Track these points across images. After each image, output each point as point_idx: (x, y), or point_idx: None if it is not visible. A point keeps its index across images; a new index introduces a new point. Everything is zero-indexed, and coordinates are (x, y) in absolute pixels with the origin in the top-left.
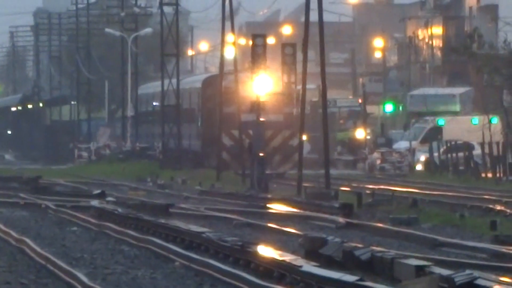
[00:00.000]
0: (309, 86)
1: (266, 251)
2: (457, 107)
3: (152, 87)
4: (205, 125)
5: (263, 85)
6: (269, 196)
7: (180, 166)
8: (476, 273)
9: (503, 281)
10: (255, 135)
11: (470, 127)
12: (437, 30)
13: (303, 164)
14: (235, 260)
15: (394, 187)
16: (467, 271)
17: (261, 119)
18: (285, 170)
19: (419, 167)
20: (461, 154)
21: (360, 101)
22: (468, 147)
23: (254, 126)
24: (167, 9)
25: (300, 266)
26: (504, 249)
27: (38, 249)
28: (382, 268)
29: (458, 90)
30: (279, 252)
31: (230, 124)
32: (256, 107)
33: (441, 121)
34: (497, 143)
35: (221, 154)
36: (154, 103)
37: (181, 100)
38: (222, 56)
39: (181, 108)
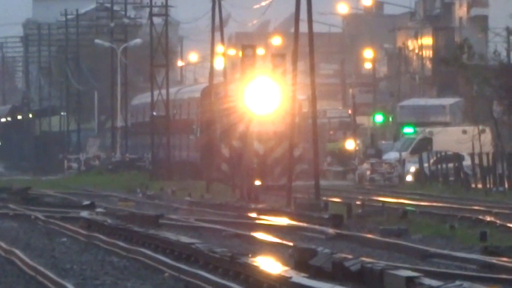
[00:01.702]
0: (299, 97)
1: (255, 262)
2: (447, 118)
3: (146, 97)
4: (203, 136)
5: (262, 95)
6: (259, 206)
7: (170, 177)
8: (466, 284)
9: None
10: (245, 146)
11: (460, 138)
12: (427, 40)
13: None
14: (224, 271)
15: (384, 198)
16: (457, 282)
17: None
18: (285, 182)
19: (409, 178)
20: (451, 165)
21: (350, 111)
22: (458, 157)
23: (243, 137)
24: (157, 20)
25: (290, 277)
26: (494, 260)
27: (28, 260)
28: (372, 279)
29: (448, 101)
30: (269, 263)
31: (230, 135)
32: (246, 117)
33: (431, 132)
34: (487, 154)
35: (220, 165)
36: (154, 113)
37: (179, 110)
38: (211, 67)
39: (179, 119)
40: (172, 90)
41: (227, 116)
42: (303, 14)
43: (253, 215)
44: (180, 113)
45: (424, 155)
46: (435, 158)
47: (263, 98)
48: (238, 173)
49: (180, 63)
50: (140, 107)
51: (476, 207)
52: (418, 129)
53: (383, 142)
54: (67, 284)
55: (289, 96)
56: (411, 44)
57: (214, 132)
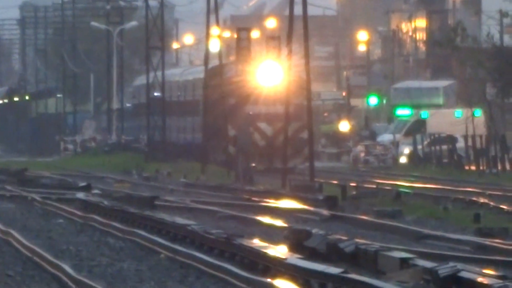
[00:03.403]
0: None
1: (250, 243)
2: (440, 100)
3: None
4: (208, 117)
5: (270, 75)
6: (254, 188)
7: (165, 159)
8: (459, 266)
9: (486, 273)
10: (241, 128)
11: (453, 120)
12: (421, 23)
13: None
14: (220, 252)
15: (378, 179)
16: (451, 264)
17: (250, 112)
18: (295, 164)
19: (403, 159)
20: (444, 147)
21: (344, 94)
22: (452, 140)
23: (241, 118)
24: (152, 3)
25: (285, 259)
26: (487, 241)
27: (24, 241)
28: (366, 260)
29: (442, 83)
30: (264, 244)
31: (236, 116)
32: (245, 98)
33: (424, 114)
34: (480, 136)
35: (227, 147)
36: (156, 94)
37: (184, 91)
38: (207, 49)
39: (183, 100)
40: (177, 71)
41: (233, 97)
42: None
43: (248, 196)
44: (185, 94)
45: (418, 137)
46: (428, 140)
47: (270, 78)
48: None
49: (175, 45)
50: (142, 88)
51: (469, 189)
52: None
53: (377, 124)
54: (63, 265)
55: (296, 76)
56: (405, 26)
57: (220, 113)
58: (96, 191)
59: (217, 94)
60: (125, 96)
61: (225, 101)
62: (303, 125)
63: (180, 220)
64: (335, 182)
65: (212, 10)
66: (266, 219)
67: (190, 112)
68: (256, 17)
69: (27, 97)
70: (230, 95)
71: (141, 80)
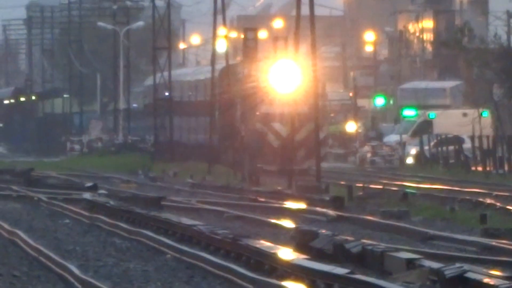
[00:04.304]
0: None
1: (257, 244)
2: (447, 101)
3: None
4: (222, 118)
5: (286, 75)
6: (261, 189)
7: (172, 159)
8: (466, 266)
9: (492, 274)
10: (248, 128)
11: (460, 121)
12: (428, 24)
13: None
14: (226, 252)
15: (385, 180)
16: (457, 264)
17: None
18: (309, 165)
19: (409, 160)
20: (451, 148)
21: (351, 94)
22: (458, 140)
23: (248, 118)
24: (159, 3)
25: (291, 259)
26: (493, 242)
27: (30, 242)
28: (372, 261)
29: (449, 84)
30: (270, 244)
31: (250, 117)
32: (253, 99)
33: (431, 115)
34: (487, 137)
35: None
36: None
37: (195, 92)
38: (213, 50)
39: (194, 100)
40: (188, 71)
41: (247, 97)
42: None
43: (255, 197)
44: (196, 94)
45: (425, 137)
46: (435, 140)
47: (285, 78)
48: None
49: (182, 45)
50: (153, 88)
51: (476, 190)
52: (419, 112)
53: (384, 124)
54: (70, 265)
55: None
56: (412, 27)
57: (234, 114)
58: (102, 191)
59: (229, 94)
60: (133, 96)
61: (237, 102)
62: (319, 125)
63: (186, 220)
64: (341, 182)
65: (219, 10)
66: (272, 220)
67: (197, 113)
68: (263, 18)
69: (33, 97)
70: (242, 95)
71: (151, 80)
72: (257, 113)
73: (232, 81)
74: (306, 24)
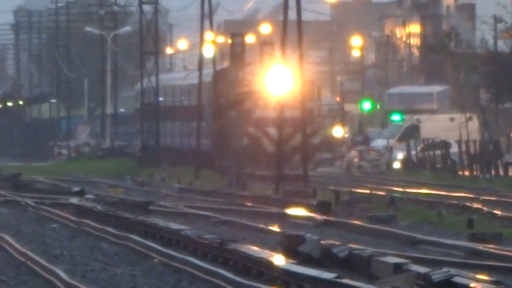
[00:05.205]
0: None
1: (244, 248)
2: (434, 106)
3: (160, 81)
4: (216, 123)
5: (280, 80)
6: (248, 194)
7: (159, 164)
8: (453, 271)
9: (480, 278)
10: (234, 132)
11: (447, 125)
12: (415, 28)
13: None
14: (213, 257)
15: (372, 185)
16: (444, 269)
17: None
18: None
19: (396, 165)
20: (438, 152)
21: (338, 99)
22: (445, 145)
23: (233, 123)
24: (146, 8)
25: (278, 264)
26: (481, 247)
27: (18, 246)
28: (360, 265)
29: (436, 89)
30: (258, 249)
31: (245, 121)
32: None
33: (418, 120)
34: (474, 141)
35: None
36: (161, 98)
37: (188, 96)
38: (201, 55)
39: (182, 105)
40: (180, 75)
41: (242, 102)
42: (292, 2)
43: (242, 201)
44: (189, 99)
45: (412, 142)
46: (422, 145)
47: (280, 83)
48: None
49: (169, 50)
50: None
51: (463, 194)
52: (405, 116)
53: (371, 129)
54: (57, 270)
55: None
56: (399, 32)
57: (228, 118)
58: (89, 196)
59: (224, 98)
60: (120, 101)
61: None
62: (314, 130)
63: (173, 225)
64: (328, 187)
65: (206, 15)
66: (259, 224)
67: (186, 117)
68: (250, 23)
69: (21, 102)
70: (237, 99)
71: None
72: (252, 118)
73: (225, 86)
74: (293, 29)
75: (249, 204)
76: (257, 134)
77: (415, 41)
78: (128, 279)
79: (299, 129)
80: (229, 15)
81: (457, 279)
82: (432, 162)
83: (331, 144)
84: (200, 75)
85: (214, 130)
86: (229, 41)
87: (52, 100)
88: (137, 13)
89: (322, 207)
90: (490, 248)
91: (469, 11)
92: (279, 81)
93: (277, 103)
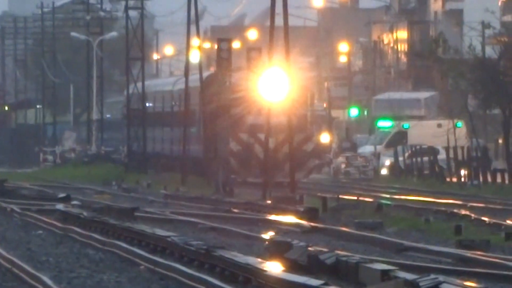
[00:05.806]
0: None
1: (231, 255)
2: (422, 112)
3: (149, 86)
4: (207, 129)
5: (275, 85)
6: (234, 200)
7: (145, 170)
8: (441, 278)
9: (467, 285)
10: (221, 138)
11: (434, 132)
12: (402, 34)
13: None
14: (200, 264)
15: (359, 191)
16: (432, 276)
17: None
18: (298, 178)
19: (384, 171)
20: (426, 159)
21: (325, 105)
22: (433, 151)
23: (222, 129)
24: (133, 13)
25: (265, 270)
26: (468, 253)
27: (3, 253)
28: (347, 272)
29: (423, 95)
30: (244, 256)
31: (238, 127)
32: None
33: (406, 125)
34: (462, 148)
35: (228, 160)
36: (150, 103)
37: (178, 101)
38: (187, 60)
39: (176, 111)
40: (170, 80)
41: (233, 107)
42: (279, 8)
43: (229, 208)
44: (180, 104)
45: (399, 148)
46: (410, 151)
47: (274, 88)
48: (251, 169)
49: (155, 56)
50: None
51: (451, 201)
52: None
53: (358, 135)
54: (43, 277)
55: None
56: (386, 38)
57: (220, 124)
58: (75, 202)
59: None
60: (106, 107)
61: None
62: (307, 137)
63: (160, 231)
64: (316, 194)
65: (193, 21)
66: (246, 231)
67: (172, 123)
68: (237, 28)
69: (6, 108)
70: (229, 105)
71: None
72: (244, 124)
73: (214, 92)
74: (280, 35)
75: (236, 210)
76: (250, 141)
77: (402, 47)
78: (114, 286)
79: (293, 136)
80: (216, 20)
81: (445, 286)
82: (420, 168)
83: (318, 150)
84: (186, 81)
85: (204, 135)
86: (216, 46)
87: (38, 106)
88: (123, 18)
89: (310, 214)
90: (478, 255)
91: (456, 17)
92: (273, 87)
93: (270, 109)
